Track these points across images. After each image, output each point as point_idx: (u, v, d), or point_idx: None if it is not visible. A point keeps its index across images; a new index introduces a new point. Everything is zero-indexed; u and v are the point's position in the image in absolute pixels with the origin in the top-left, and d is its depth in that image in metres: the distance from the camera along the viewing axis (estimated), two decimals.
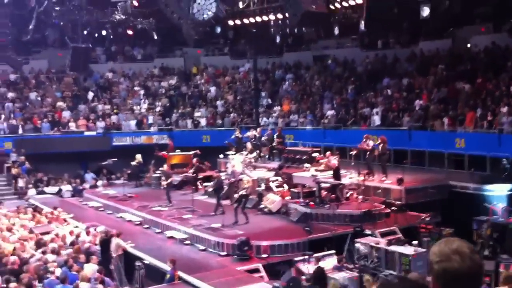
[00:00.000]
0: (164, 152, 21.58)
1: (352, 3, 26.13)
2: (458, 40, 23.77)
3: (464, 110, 18.67)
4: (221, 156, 21.04)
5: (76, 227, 15.71)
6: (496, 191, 14.42)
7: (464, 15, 24.44)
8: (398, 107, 21.23)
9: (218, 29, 28.52)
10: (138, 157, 21.42)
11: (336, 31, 28.48)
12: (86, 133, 24.62)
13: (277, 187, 17.17)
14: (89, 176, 23.39)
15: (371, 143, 17.36)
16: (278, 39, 29.74)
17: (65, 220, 16.60)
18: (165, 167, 19.17)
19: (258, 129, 21.55)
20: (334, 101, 23.98)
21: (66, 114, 25.36)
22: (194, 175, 19.44)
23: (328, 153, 16.97)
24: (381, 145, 17.13)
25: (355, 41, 27.97)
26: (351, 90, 24.13)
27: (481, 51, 21.85)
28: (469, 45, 23.16)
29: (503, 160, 15.41)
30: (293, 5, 25.10)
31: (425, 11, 25.05)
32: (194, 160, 19.78)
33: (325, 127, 22.67)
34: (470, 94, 19.37)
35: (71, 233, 14.53)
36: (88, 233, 14.53)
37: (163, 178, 18.38)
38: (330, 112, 23.02)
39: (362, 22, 26.51)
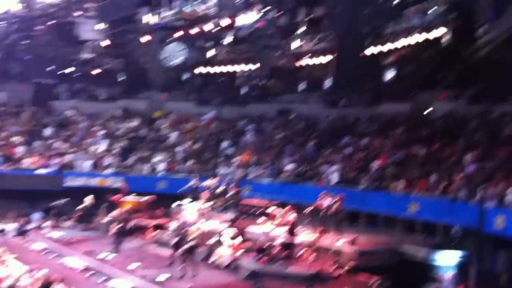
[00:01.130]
0: (117, 196, 21.03)
1: (319, 61, 26.69)
2: (419, 104, 24.19)
3: (419, 175, 18.81)
4: (176, 204, 20.59)
5: (17, 269, 14.91)
6: (446, 259, 14.38)
7: (427, 80, 25.02)
8: (356, 166, 21.29)
9: (185, 76, 28.61)
10: (89, 199, 20.78)
11: (302, 86, 28.93)
12: (38, 171, 23.89)
13: (230, 240, 16.77)
14: (37, 215, 22.54)
15: (327, 201, 17.27)
16: (244, 90, 29.95)
17: (4, 262, 15.77)
18: (117, 212, 18.62)
19: (216, 179, 21.23)
20: (294, 155, 23.96)
21: (20, 149, 24.64)
22: (146, 222, 18.93)
23: (284, 208, 16.78)
24: (337, 203, 17.04)
25: (319, 97, 28.30)
26: (312, 146, 24.21)
27: (440, 117, 22.30)
28: (429, 110, 23.59)
29: (454, 227, 15.45)
30: (262, 59, 25.52)
31: (389, 74, 25.70)
32: (148, 206, 19.35)
33: (283, 181, 22.54)
34: (427, 159, 19.59)
35: (9, 275, 13.76)
36: (28, 276, 13.78)
37: (113, 223, 17.82)
38: (289, 167, 22.96)
39: (328, 80, 27.02)
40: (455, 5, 19.91)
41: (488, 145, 18.49)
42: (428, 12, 21.13)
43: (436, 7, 20.65)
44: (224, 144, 26.86)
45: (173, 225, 16.74)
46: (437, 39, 22.07)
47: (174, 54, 25.99)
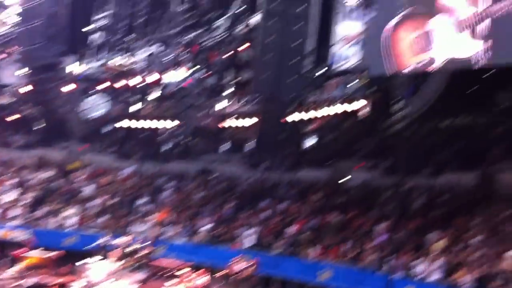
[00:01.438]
0: (21, 250, 19.80)
1: (243, 123, 27.04)
2: (337, 172, 24.77)
3: (334, 242, 19.04)
4: (84, 261, 19.59)
5: None
6: None
7: (345, 149, 25.78)
8: (273, 230, 21.29)
9: (107, 128, 28.05)
10: None
11: (225, 147, 29.06)
12: None
13: None
14: None
15: (241, 265, 17.05)
16: (166, 147, 29.66)
17: None
18: (18, 267, 17.50)
19: (129, 236, 20.49)
20: (212, 216, 23.68)
21: None
22: (50, 280, 17.84)
23: (197, 271, 16.40)
24: (251, 268, 16.86)
25: (241, 159, 28.44)
26: (231, 207, 24.05)
27: (356, 187, 22.91)
28: (345, 179, 24.18)
29: None
30: (186, 117, 25.53)
31: (310, 141, 26.36)
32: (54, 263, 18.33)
33: (199, 242, 22.12)
34: (341, 226, 19.91)
35: None
36: None
37: (15, 279, 16.72)
38: (206, 227, 22.62)
39: (250, 142, 27.32)
40: (374, 80, 20.90)
41: (399, 217, 19.09)
42: (349, 85, 22.05)
43: (356, 81, 21.62)
44: (141, 200, 26.18)
45: (78, 284, 15.87)
46: (356, 111, 22.96)
47: (96, 106, 25.55)
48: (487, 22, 14.65)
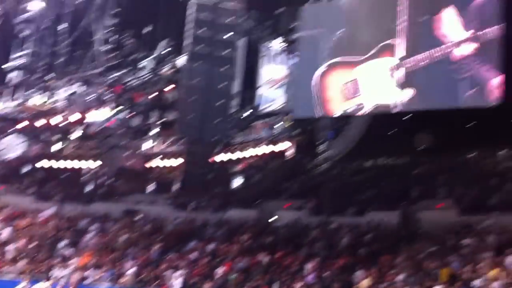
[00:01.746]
0: None
1: (169, 163, 26.73)
2: (265, 212, 24.84)
3: (262, 282, 18.91)
4: None
5: None
6: None
7: (272, 189, 25.98)
8: (201, 272, 20.89)
9: (25, 169, 26.86)
10: None
11: (150, 188, 28.54)
12: None
13: None
14: None
15: None
16: (89, 188, 28.77)
17: None
18: None
19: (49, 282, 19.49)
20: (138, 259, 22.96)
21: None
22: None
23: None
24: None
25: (168, 200, 27.98)
26: (157, 249, 23.44)
27: (284, 226, 23.02)
28: (273, 219, 24.28)
29: None
30: (109, 158, 24.92)
31: (237, 181, 26.41)
32: None
33: (124, 286, 21.32)
34: (270, 266, 19.85)
35: None
36: None
37: None
38: (131, 271, 21.86)
39: (177, 182, 26.98)
40: (299, 122, 21.37)
41: (326, 255, 19.29)
42: (275, 127, 22.44)
43: (282, 123, 22.04)
44: (62, 243, 25.04)
45: None
46: (283, 152, 23.32)
47: (13, 146, 24.53)
48: (408, 71, 15.47)
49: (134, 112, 23.17)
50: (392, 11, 16.21)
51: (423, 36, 15.62)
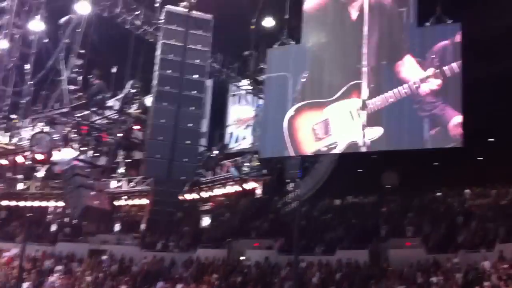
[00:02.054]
0: None
1: (136, 202, 26.33)
2: (234, 251, 24.65)
3: None
4: None
5: None
6: None
7: (241, 228, 25.81)
8: None
9: None
10: None
11: (117, 227, 28.02)
12: None
13: None
14: None
15: None
16: (53, 227, 28.11)
17: None
18: None
19: None
20: None
21: None
22: None
23: None
24: None
25: (135, 239, 27.51)
26: None
27: (254, 265, 22.83)
28: (242, 258, 24.07)
29: None
30: (75, 197, 24.45)
31: (206, 221, 26.15)
32: None
33: None
34: None
35: None
36: None
37: None
38: None
39: (144, 222, 26.53)
40: (267, 162, 21.40)
41: None
42: (243, 166, 22.40)
43: (251, 162, 22.03)
44: (26, 285, 24.34)
45: None
46: (251, 191, 23.22)
47: None
48: (374, 111, 15.71)
49: (101, 151, 22.93)
50: (358, 53, 16.55)
51: (387, 77, 15.94)
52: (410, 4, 15.95)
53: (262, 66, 20.44)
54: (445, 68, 15.14)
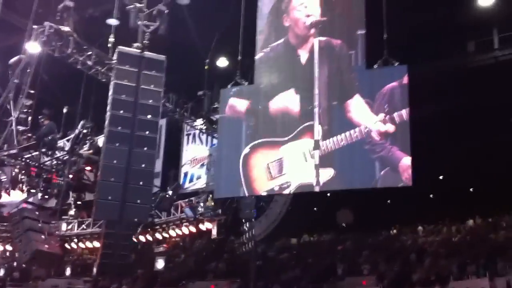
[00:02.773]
0: None
1: (88, 245, 25.60)
2: None
3: None
4: None
5: None
6: None
7: (197, 270, 25.32)
8: None
9: None
10: None
11: (68, 271, 27.09)
12: None
13: None
14: None
15: None
16: (1, 272, 26.97)
17: None
18: None
19: None
20: None
21: None
22: None
23: None
24: None
25: (87, 283, 26.58)
26: None
27: None
28: None
29: None
30: (24, 241, 23.60)
31: (160, 263, 25.53)
32: None
33: None
34: None
35: None
36: None
37: None
38: None
39: (97, 265, 25.74)
40: (222, 202, 21.25)
41: None
42: (198, 206, 22.16)
43: (205, 202, 21.83)
44: None
45: None
46: (207, 231, 22.90)
47: None
48: (326, 152, 15.93)
49: (50, 194, 22.33)
50: (309, 94, 16.82)
51: (338, 118, 16.31)
52: (358, 47, 16.43)
53: (216, 106, 20.49)
54: (395, 114, 15.56)
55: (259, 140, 17.09)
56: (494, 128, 23.62)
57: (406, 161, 15.16)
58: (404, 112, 15.43)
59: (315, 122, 16.37)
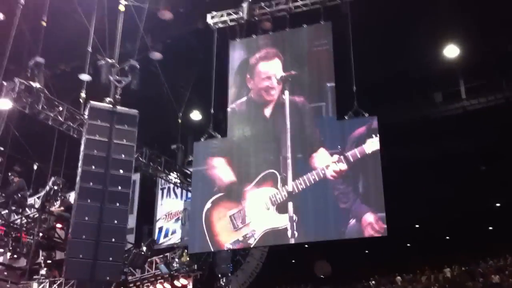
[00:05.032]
0: None
1: None
2: None
3: None
4: None
5: None
6: None
7: None
8: None
9: None
10: None
11: None
12: None
13: None
14: None
15: None
16: None
17: None
18: None
19: None
20: None
21: None
22: None
23: None
24: None
25: None
26: None
27: None
28: None
29: None
30: None
31: None
32: None
33: None
34: None
35: None
36: None
37: None
38: None
39: None
40: (197, 257, 20.85)
41: None
42: (173, 262, 21.67)
43: (180, 258, 21.36)
44: None
45: None
46: (183, 287, 22.30)
47: None
48: (290, 200, 15.99)
49: (20, 253, 21.64)
50: (275, 147, 16.97)
51: (301, 168, 16.40)
52: (328, 99, 16.70)
53: (190, 159, 20.36)
54: (348, 154, 15.79)
55: (219, 194, 17.14)
56: (465, 176, 23.97)
57: (380, 213, 15.14)
58: (358, 152, 15.68)
59: (277, 170, 16.59)
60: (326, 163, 15.97)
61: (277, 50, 18.11)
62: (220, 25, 19.15)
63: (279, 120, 17.18)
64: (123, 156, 18.84)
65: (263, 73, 18.11)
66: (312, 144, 16.52)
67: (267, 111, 17.65)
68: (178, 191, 24.21)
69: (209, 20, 19.34)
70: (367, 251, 25.33)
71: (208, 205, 17.00)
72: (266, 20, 18.81)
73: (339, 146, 16.00)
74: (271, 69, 17.97)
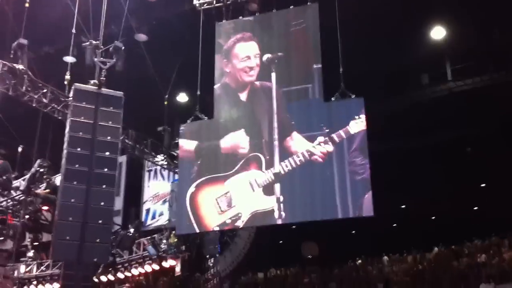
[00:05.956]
0: None
1: (47, 287, 24.64)
2: None
3: None
4: None
5: None
6: None
7: None
8: None
9: None
10: None
11: None
12: None
13: None
14: None
15: None
16: None
17: None
18: None
19: None
20: None
21: None
22: None
23: None
24: None
25: None
26: None
27: None
28: None
29: None
30: None
31: None
32: None
33: None
34: None
35: None
36: None
37: None
38: None
39: None
40: (185, 238, 20.89)
41: None
42: (161, 243, 21.71)
43: (168, 239, 21.40)
44: None
45: None
46: (171, 269, 22.41)
47: None
48: (276, 181, 16.05)
49: (6, 235, 21.58)
50: (258, 128, 17.21)
51: (288, 150, 16.50)
52: (315, 81, 16.66)
53: (176, 141, 20.28)
54: (333, 135, 15.83)
55: (203, 178, 17.18)
56: (451, 156, 24.12)
57: (367, 192, 15.22)
58: (343, 133, 15.74)
59: (261, 153, 16.64)
60: (312, 144, 16.02)
61: (254, 32, 18.11)
62: (206, 6, 18.98)
63: (258, 104, 17.33)
64: (108, 138, 18.73)
65: (239, 55, 18.11)
66: (298, 126, 16.55)
67: (241, 96, 17.80)
68: (165, 173, 24.19)
69: (195, 1, 19.15)
70: (353, 232, 25.53)
71: (193, 188, 17.05)
72: (253, 1, 18.64)
73: (325, 128, 16.05)
74: (249, 51, 18.00)
